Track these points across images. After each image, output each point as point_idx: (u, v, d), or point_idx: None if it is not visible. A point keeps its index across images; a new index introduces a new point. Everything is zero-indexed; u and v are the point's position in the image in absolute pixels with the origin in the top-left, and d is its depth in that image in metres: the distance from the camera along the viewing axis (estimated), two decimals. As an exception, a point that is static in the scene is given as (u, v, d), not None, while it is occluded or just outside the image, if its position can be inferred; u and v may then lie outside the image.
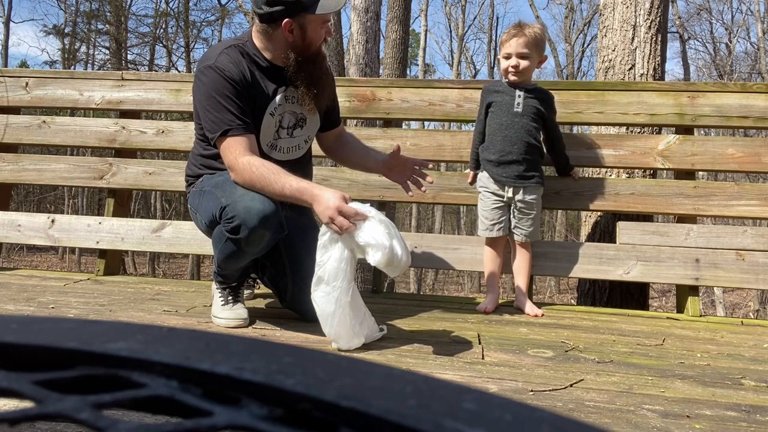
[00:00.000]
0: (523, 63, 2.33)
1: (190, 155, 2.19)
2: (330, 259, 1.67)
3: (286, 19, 1.91)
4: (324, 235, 1.70)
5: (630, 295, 3.14)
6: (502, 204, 2.43)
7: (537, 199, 2.44)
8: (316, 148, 2.33)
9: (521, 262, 2.47)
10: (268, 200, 1.80)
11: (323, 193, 1.72)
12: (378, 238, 1.60)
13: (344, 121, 2.37)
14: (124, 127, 3.07)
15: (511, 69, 2.35)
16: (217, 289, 2.04)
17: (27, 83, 3.20)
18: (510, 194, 2.41)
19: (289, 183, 1.78)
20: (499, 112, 2.43)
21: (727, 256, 2.52)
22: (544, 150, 2.53)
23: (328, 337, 1.72)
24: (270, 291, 2.26)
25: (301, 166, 2.11)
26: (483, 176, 2.49)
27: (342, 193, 1.72)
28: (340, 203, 1.66)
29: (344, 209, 1.65)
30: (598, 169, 3.15)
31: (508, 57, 2.36)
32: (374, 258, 1.61)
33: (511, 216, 2.44)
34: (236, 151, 1.86)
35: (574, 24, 22.34)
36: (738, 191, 2.61)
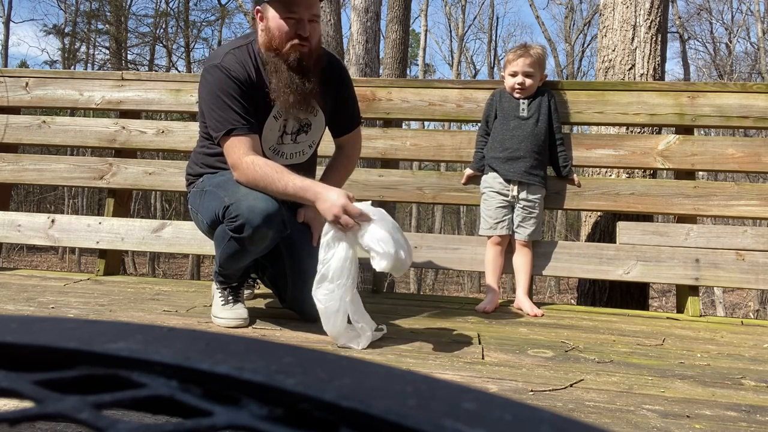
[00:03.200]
0: (528, 81, 2.48)
1: (193, 153, 2.20)
2: (334, 258, 1.67)
3: (257, 6, 1.94)
4: (327, 234, 1.69)
5: (630, 295, 3.14)
6: (507, 203, 2.48)
7: (540, 199, 2.50)
8: (321, 150, 2.32)
9: (522, 262, 2.49)
10: (272, 199, 1.80)
11: (327, 191, 1.73)
12: (383, 246, 1.59)
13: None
14: (124, 127, 3.07)
15: (517, 86, 2.49)
16: (217, 289, 2.04)
17: (27, 83, 3.20)
18: (515, 193, 2.47)
19: (292, 181, 1.79)
20: (507, 117, 2.52)
21: (727, 256, 2.52)
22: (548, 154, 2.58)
23: (329, 335, 1.72)
24: (270, 291, 2.26)
25: (304, 171, 2.10)
26: (488, 177, 2.55)
27: (346, 191, 1.72)
28: (345, 201, 1.66)
29: (349, 208, 1.65)
30: (598, 169, 3.16)
31: (514, 75, 2.50)
32: (380, 265, 1.61)
33: (515, 215, 2.48)
34: (240, 151, 1.86)
35: (574, 24, 22.35)
36: (738, 191, 2.61)
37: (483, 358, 1.70)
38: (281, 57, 1.90)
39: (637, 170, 3.02)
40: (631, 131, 3.10)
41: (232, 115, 1.88)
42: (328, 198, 1.70)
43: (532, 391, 1.44)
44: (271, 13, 1.90)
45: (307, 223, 2.05)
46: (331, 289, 1.66)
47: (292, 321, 2.04)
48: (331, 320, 1.68)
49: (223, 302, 2.01)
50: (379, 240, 1.61)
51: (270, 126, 2.00)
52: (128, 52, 20.24)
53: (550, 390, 1.45)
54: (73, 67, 20.55)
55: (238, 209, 1.79)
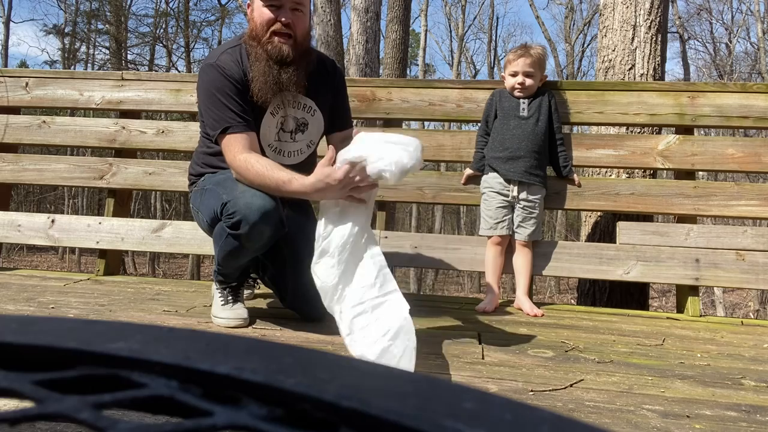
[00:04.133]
0: (528, 81, 2.49)
1: (194, 153, 2.20)
2: (335, 233, 1.60)
3: (247, 1, 1.98)
4: (327, 210, 1.64)
5: (630, 295, 3.14)
6: (507, 204, 2.49)
7: (540, 199, 2.50)
8: (321, 150, 2.31)
9: (522, 262, 2.49)
10: (269, 197, 1.80)
11: (308, 180, 1.71)
12: (383, 163, 1.51)
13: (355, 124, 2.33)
14: (124, 127, 3.07)
15: (517, 86, 2.50)
16: (217, 289, 2.04)
17: (27, 83, 3.20)
18: (515, 193, 2.47)
19: (280, 177, 1.78)
20: (507, 117, 2.53)
21: (727, 256, 2.52)
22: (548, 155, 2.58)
23: (328, 312, 1.60)
24: (270, 291, 2.26)
25: (305, 170, 2.10)
26: (488, 177, 2.55)
27: (321, 169, 1.68)
28: (332, 173, 1.63)
29: (335, 175, 1.62)
30: (598, 169, 3.16)
31: (514, 75, 2.51)
32: (392, 178, 1.53)
33: (515, 215, 2.49)
34: (235, 149, 1.86)
35: (574, 24, 22.34)
36: (738, 191, 2.61)
37: (483, 358, 1.70)
38: (262, 45, 1.91)
39: (637, 170, 3.02)
40: (631, 131, 3.10)
41: (227, 113, 1.89)
42: (315, 186, 1.67)
43: (532, 391, 1.44)
44: (256, 4, 1.93)
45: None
46: (331, 264, 1.57)
47: (292, 321, 2.04)
48: (329, 296, 1.58)
49: (223, 302, 2.01)
50: (382, 161, 1.51)
51: (267, 122, 2.00)
52: (128, 52, 20.25)
53: (550, 390, 1.45)
54: (73, 67, 20.55)
55: (235, 206, 1.79)
